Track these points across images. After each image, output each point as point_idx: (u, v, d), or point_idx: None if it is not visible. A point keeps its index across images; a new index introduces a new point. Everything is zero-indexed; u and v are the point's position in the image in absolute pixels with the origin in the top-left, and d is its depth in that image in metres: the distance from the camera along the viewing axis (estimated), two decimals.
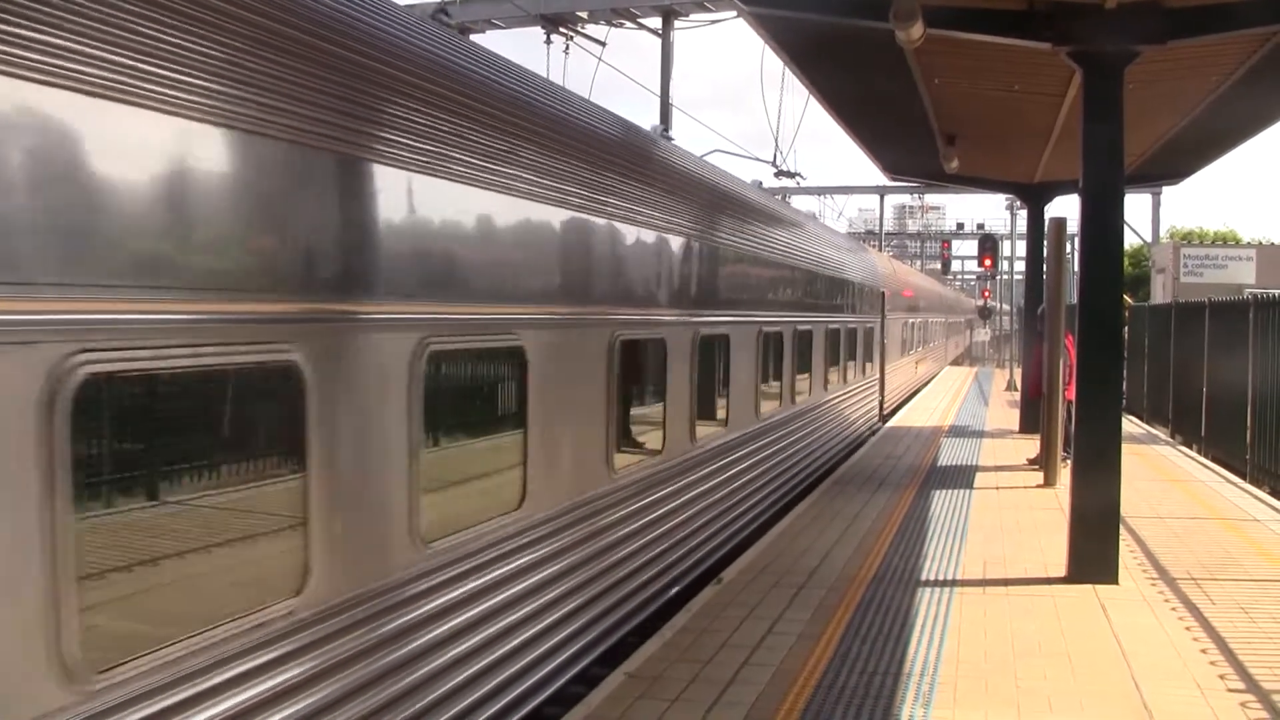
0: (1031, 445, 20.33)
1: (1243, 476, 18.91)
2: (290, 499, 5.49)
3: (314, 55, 5.67)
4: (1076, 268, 12.16)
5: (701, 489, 12.40)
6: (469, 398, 8.16)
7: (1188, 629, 9.80)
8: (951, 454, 21.67)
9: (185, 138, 4.77)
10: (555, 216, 8.60)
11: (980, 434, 25.37)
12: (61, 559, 4.10)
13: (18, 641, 4.01)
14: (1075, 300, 12.34)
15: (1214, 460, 21.03)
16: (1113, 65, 11.49)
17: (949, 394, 38.41)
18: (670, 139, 16.16)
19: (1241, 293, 22.98)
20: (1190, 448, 23.16)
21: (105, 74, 4.29)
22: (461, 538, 7.07)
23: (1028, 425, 23.84)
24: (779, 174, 32.15)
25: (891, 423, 28.34)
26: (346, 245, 5.99)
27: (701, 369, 12.17)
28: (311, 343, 5.54)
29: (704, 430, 12.48)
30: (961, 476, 18.58)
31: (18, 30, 3.91)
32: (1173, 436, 25.30)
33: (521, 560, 7.90)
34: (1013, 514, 15.08)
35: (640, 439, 10.84)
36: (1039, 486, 17.36)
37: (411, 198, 6.55)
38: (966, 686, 8.27)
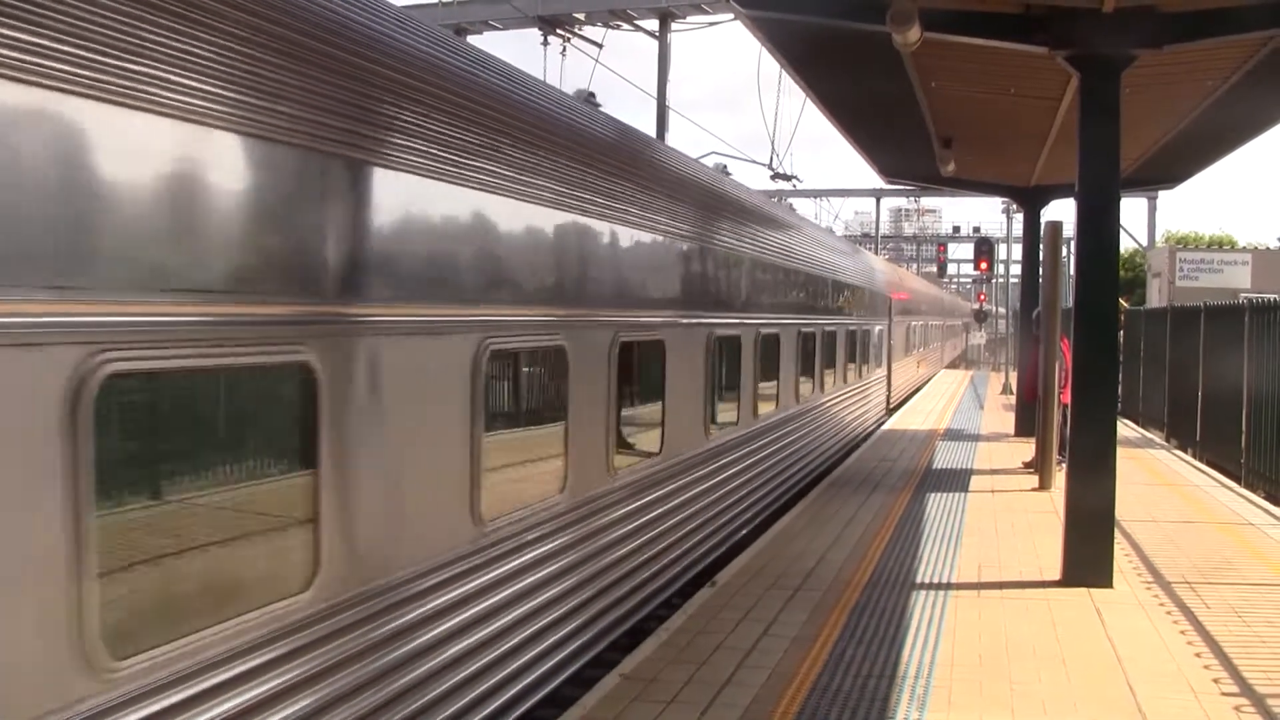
0: (1027, 448, 20.35)
1: (1238, 481, 18.94)
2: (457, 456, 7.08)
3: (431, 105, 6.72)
4: (1072, 271, 12.16)
5: (768, 451, 16.13)
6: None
7: (1182, 633, 9.81)
8: (947, 457, 21.68)
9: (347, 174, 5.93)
10: (642, 238, 10.37)
11: (976, 437, 25.39)
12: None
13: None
14: (1071, 304, 12.35)
15: (1209, 464, 21.06)
16: (1109, 69, 11.50)
17: (944, 397, 38.44)
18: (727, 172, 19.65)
19: (1237, 297, 23.00)
20: (1185, 452, 23.20)
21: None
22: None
23: (1023, 429, 23.85)
24: (775, 177, 32.20)
25: (887, 426, 28.37)
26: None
27: (763, 361, 15.46)
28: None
29: (764, 409, 15.83)
30: (957, 480, 18.59)
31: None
32: (1168, 440, 25.33)
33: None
34: (1008, 517, 15.10)
35: (726, 415, 13.96)
36: (1034, 490, 17.38)
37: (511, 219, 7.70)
38: (961, 689, 8.28)
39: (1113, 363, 12.60)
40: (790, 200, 49.90)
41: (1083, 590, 11.18)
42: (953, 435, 25.89)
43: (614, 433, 9.80)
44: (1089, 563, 11.43)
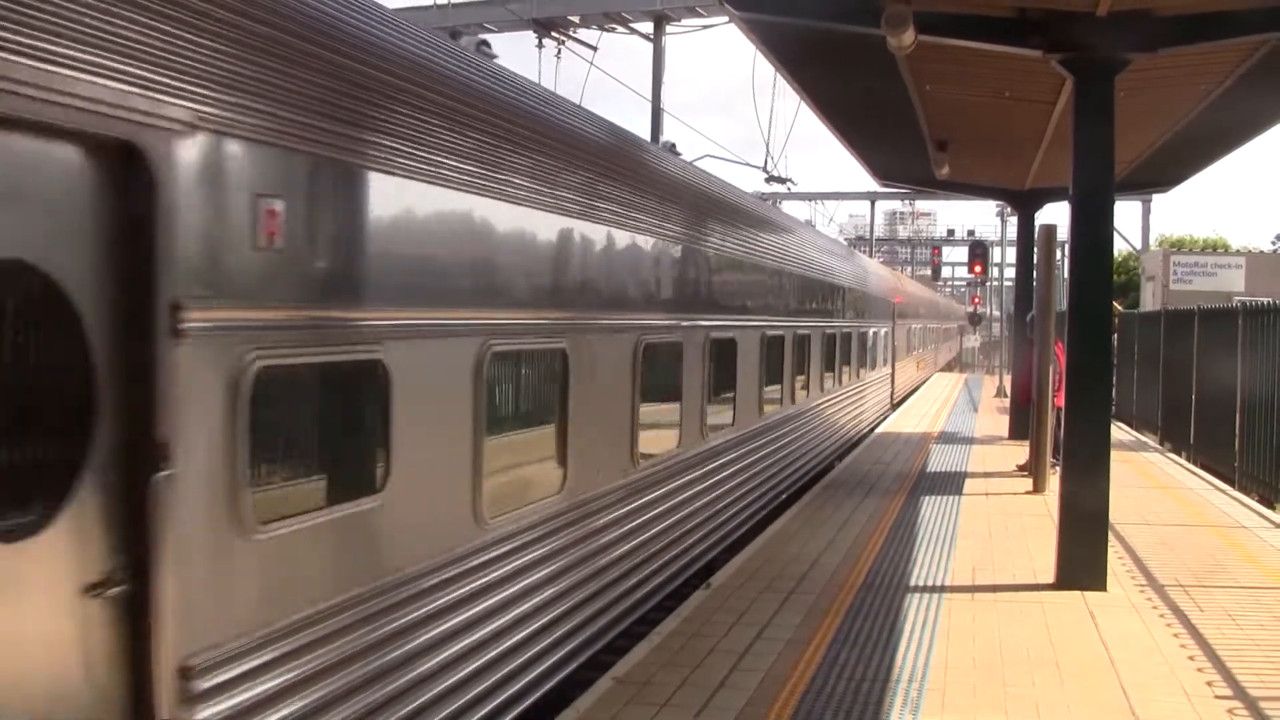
0: (1021, 451, 20.36)
1: (1231, 484, 18.95)
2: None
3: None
4: (1066, 275, 12.16)
5: (802, 432, 19.34)
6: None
7: (1176, 636, 9.81)
8: (941, 460, 21.69)
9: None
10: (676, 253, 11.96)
11: (970, 440, 25.41)
12: (477, 459, 7.26)
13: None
14: (1065, 307, 12.35)
15: (1203, 467, 21.08)
16: (1104, 72, 11.51)
17: (939, 400, 38.47)
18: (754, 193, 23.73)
19: (1231, 300, 23.02)
20: (1179, 455, 23.21)
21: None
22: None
23: (1017, 432, 23.85)
24: (770, 179, 32.15)
25: (881, 429, 28.40)
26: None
27: (796, 356, 18.14)
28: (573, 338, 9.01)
29: (800, 396, 19.05)
30: (951, 483, 18.60)
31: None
32: (1162, 443, 25.34)
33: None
34: (1002, 520, 15.10)
35: (783, 398, 17.66)
36: (1028, 493, 17.38)
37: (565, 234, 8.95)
38: (955, 693, 8.28)
39: (1106, 366, 12.62)
40: (784, 203, 49.88)
41: (1077, 593, 11.18)
42: (947, 438, 25.90)
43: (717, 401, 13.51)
44: (1083, 566, 11.43)
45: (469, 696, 7.08)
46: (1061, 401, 12.99)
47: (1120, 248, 54.88)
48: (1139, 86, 13.51)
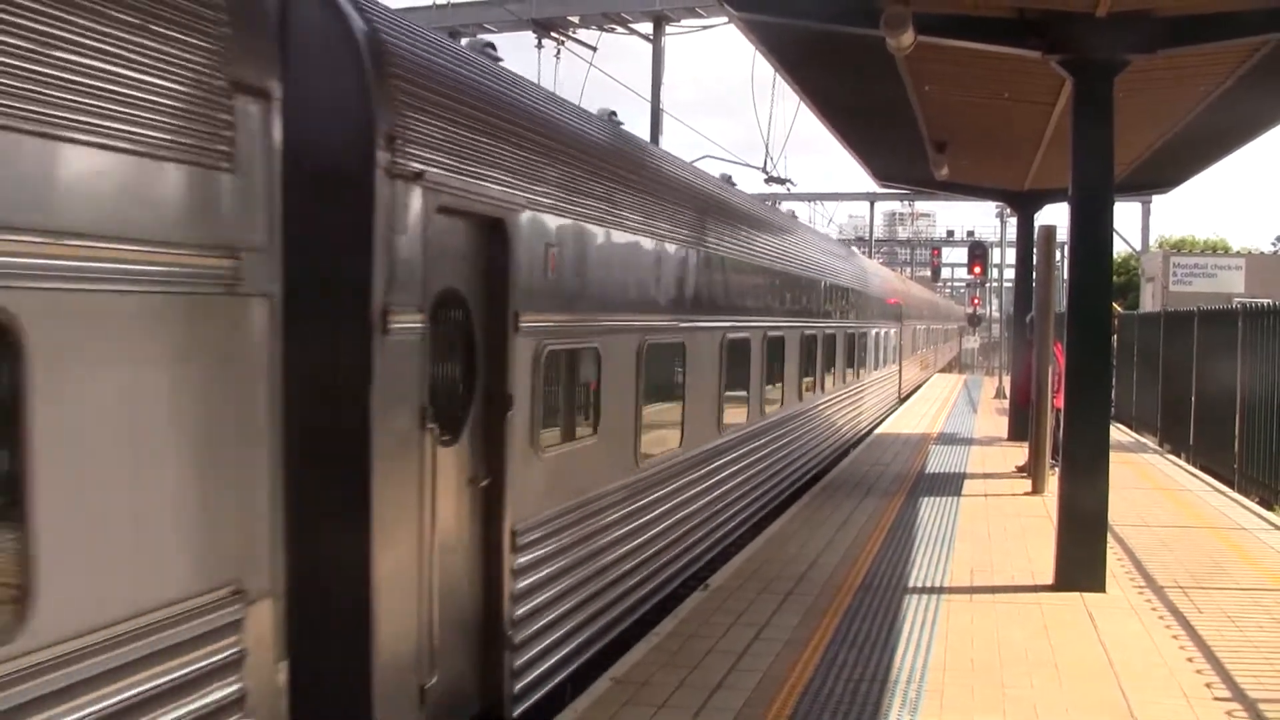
0: (1020, 453, 20.36)
1: (1230, 485, 18.95)
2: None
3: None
4: (1066, 275, 12.16)
5: (839, 410, 23.70)
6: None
7: (1175, 637, 9.81)
8: (940, 461, 21.69)
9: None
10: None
11: (969, 441, 25.42)
12: (638, 419, 10.45)
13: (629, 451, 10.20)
14: (1064, 308, 12.35)
15: (1202, 469, 21.07)
16: (1103, 73, 11.51)
17: (938, 401, 38.47)
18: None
19: (1231, 301, 23.01)
20: (1179, 456, 23.21)
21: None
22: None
23: (1016, 433, 23.86)
24: (769, 180, 32.11)
25: (880, 430, 28.42)
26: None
27: (825, 353, 21.26)
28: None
29: (828, 384, 22.10)
30: (950, 484, 18.60)
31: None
32: (1161, 445, 25.34)
33: None
34: (1000, 521, 15.10)
35: (821, 384, 21.20)
36: (1027, 494, 17.37)
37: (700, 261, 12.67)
38: (953, 694, 8.27)
39: (1106, 367, 12.62)
40: (784, 204, 49.92)
41: (1075, 594, 11.18)
42: (946, 439, 25.91)
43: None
44: (1082, 567, 11.43)
45: (637, 562, 10.49)
46: (1061, 403, 13.00)
47: (1120, 249, 54.95)
48: (1138, 87, 13.51)
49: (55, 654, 3.95)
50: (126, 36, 4.27)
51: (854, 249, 44.87)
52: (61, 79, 3.97)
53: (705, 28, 28.20)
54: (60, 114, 3.97)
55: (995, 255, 61.87)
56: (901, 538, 13.91)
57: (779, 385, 17.33)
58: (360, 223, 6.15)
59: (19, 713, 3.83)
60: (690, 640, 9.50)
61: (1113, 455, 12.20)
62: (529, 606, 8.05)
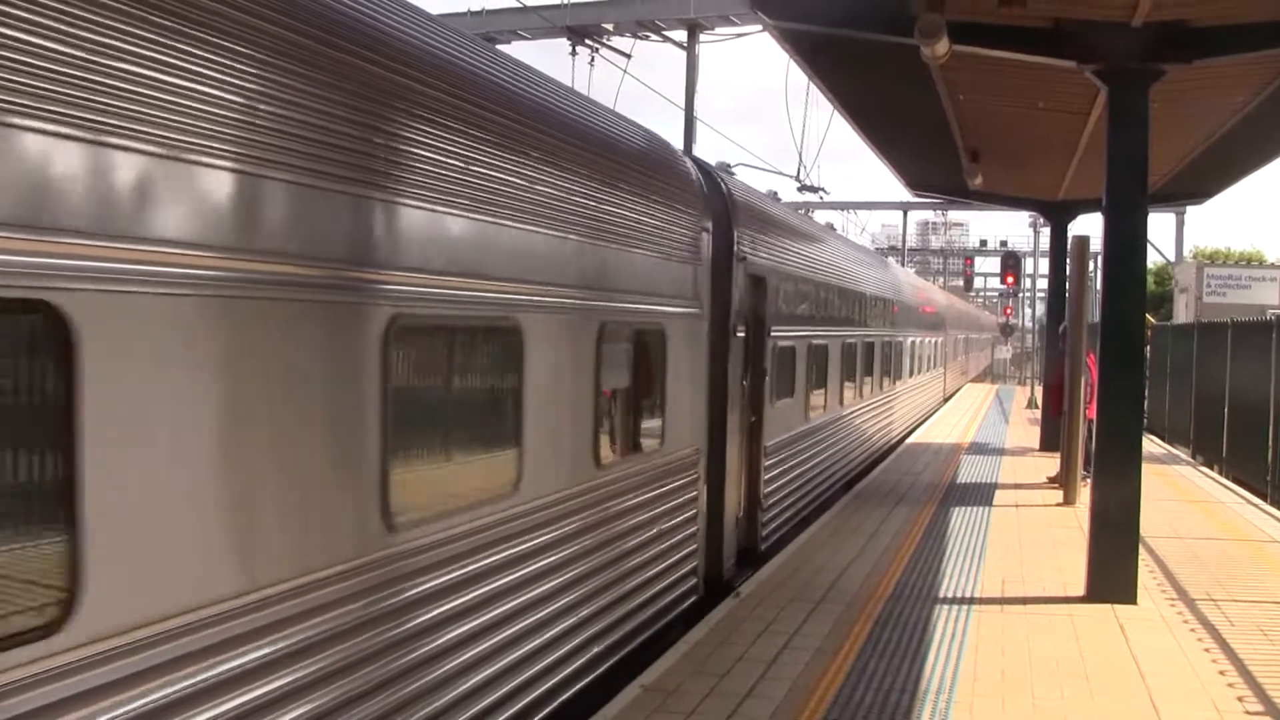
0: (1052, 463, 20.28)
1: (1264, 498, 18.81)
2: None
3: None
4: (1099, 286, 12.12)
5: (903, 398, 29.28)
6: None
7: (1206, 650, 9.76)
8: (971, 471, 21.63)
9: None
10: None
11: (1000, 451, 25.32)
12: (810, 386, 17.15)
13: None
14: (1098, 318, 12.30)
15: (1235, 481, 20.93)
16: (1138, 83, 11.47)
17: (969, 411, 38.35)
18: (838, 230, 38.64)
19: (1265, 313, 22.86)
20: (1211, 468, 23.06)
21: None
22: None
23: (1048, 443, 23.77)
24: (802, 188, 32.15)
25: (911, 439, 28.39)
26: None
27: (897, 357, 27.11)
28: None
29: (901, 378, 28.15)
30: (981, 494, 18.54)
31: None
32: (1194, 456, 25.18)
33: None
34: (1032, 532, 15.04)
35: (901, 376, 28.46)
36: (1059, 505, 17.31)
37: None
38: (983, 705, 8.25)
39: (1138, 377, 12.56)
40: (816, 212, 49.91)
41: (1107, 606, 11.13)
42: (977, 449, 25.83)
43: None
44: (1113, 579, 11.38)
45: (821, 464, 17.04)
46: (1093, 413, 12.95)
47: (1154, 259, 54.65)
48: (1173, 97, 13.46)
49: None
50: (671, 208, 10.33)
51: (913, 273, 54.12)
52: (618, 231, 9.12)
53: (739, 35, 28.25)
54: (628, 244, 9.24)
55: (1029, 265, 61.59)
56: (932, 547, 13.88)
57: (882, 372, 24.73)
58: (728, 284, 11.98)
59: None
60: (720, 648, 9.51)
61: (1145, 467, 12.15)
62: (771, 489, 14.29)
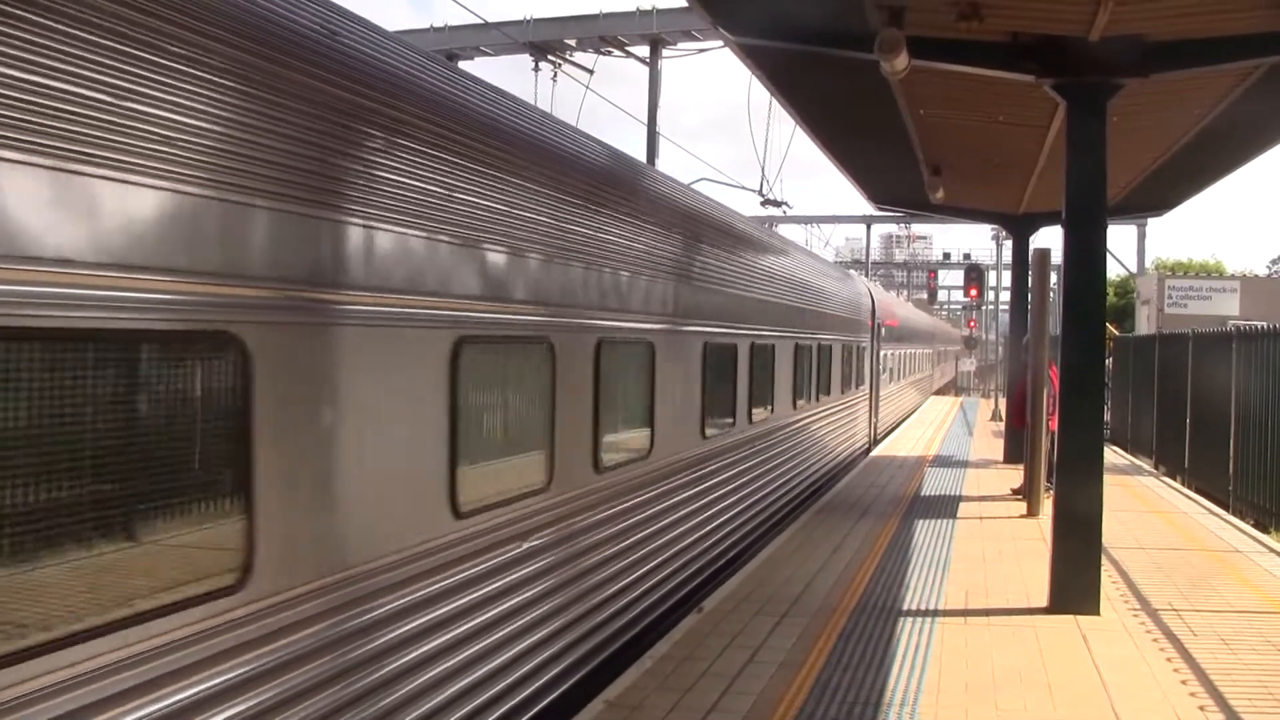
0: (1015, 475, 20.35)
1: (1225, 508, 18.96)
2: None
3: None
4: (1061, 298, 12.19)
5: (905, 392, 42.24)
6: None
7: (1169, 660, 9.80)
8: (935, 484, 21.69)
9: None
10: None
11: (964, 464, 25.42)
12: (900, 378, 39.67)
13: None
14: (1060, 330, 12.37)
15: (1197, 491, 21.08)
16: (1096, 97, 11.55)
17: (933, 424, 38.50)
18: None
19: (1225, 324, 23.05)
20: (1173, 479, 23.22)
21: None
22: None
23: (1012, 455, 23.88)
24: (765, 203, 32.23)
25: (875, 452, 28.51)
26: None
27: (909, 365, 41.89)
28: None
29: (901, 381, 40.41)
30: (945, 506, 18.60)
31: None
32: (1156, 467, 25.36)
33: None
34: (995, 544, 15.09)
35: (913, 376, 46.12)
36: (1022, 516, 17.38)
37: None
38: (947, 716, 8.26)
39: (1099, 389, 12.61)
40: (780, 226, 50.09)
41: (1070, 617, 11.17)
42: (941, 461, 25.92)
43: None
44: (1076, 590, 11.43)
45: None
46: (1056, 425, 13.00)
47: (1116, 271, 55.04)
48: (1132, 110, 13.56)
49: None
50: (854, 316, 26.62)
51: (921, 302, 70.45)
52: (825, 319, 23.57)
53: (701, 51, 28.33)
54: (819, 301, 22.72)
55: (991, 278, 62.04)
56: (896, 560, 13.90)
57: (915, 365, 36.40)
58: (869, 339, 27.24)
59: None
60: (684, 663, 9.48)
61: (1108, 478, 12.20)
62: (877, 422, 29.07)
